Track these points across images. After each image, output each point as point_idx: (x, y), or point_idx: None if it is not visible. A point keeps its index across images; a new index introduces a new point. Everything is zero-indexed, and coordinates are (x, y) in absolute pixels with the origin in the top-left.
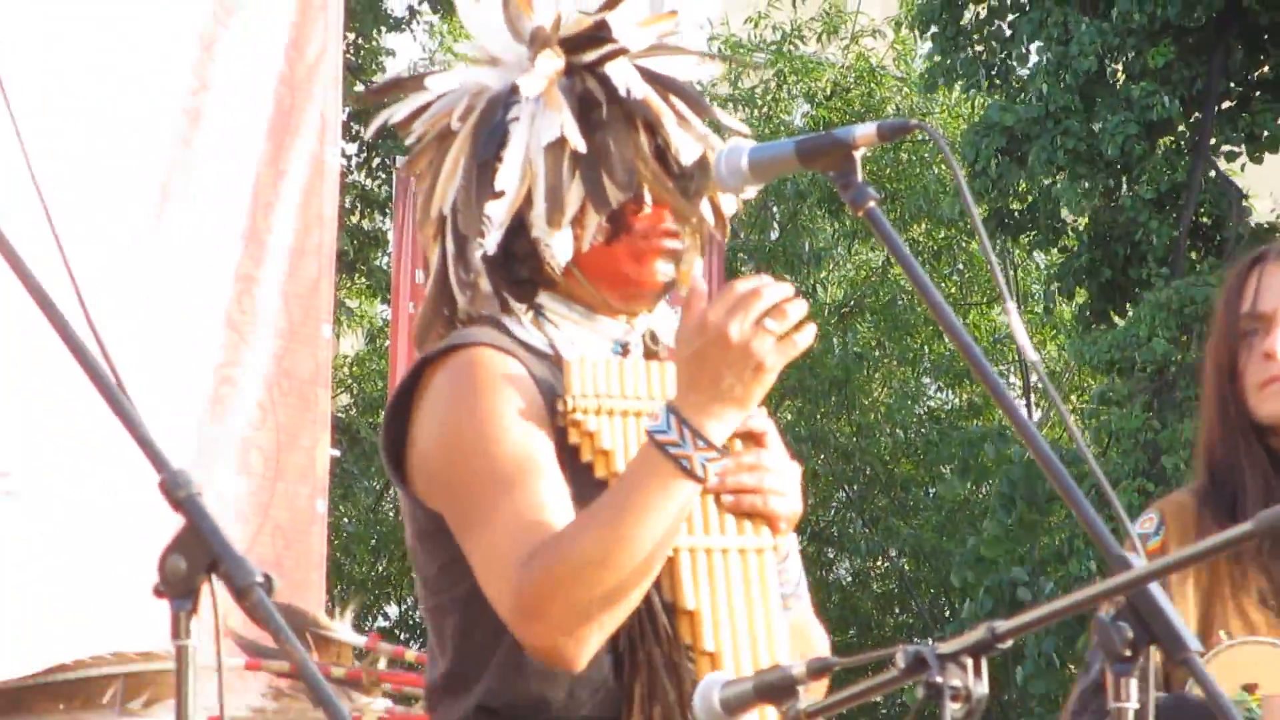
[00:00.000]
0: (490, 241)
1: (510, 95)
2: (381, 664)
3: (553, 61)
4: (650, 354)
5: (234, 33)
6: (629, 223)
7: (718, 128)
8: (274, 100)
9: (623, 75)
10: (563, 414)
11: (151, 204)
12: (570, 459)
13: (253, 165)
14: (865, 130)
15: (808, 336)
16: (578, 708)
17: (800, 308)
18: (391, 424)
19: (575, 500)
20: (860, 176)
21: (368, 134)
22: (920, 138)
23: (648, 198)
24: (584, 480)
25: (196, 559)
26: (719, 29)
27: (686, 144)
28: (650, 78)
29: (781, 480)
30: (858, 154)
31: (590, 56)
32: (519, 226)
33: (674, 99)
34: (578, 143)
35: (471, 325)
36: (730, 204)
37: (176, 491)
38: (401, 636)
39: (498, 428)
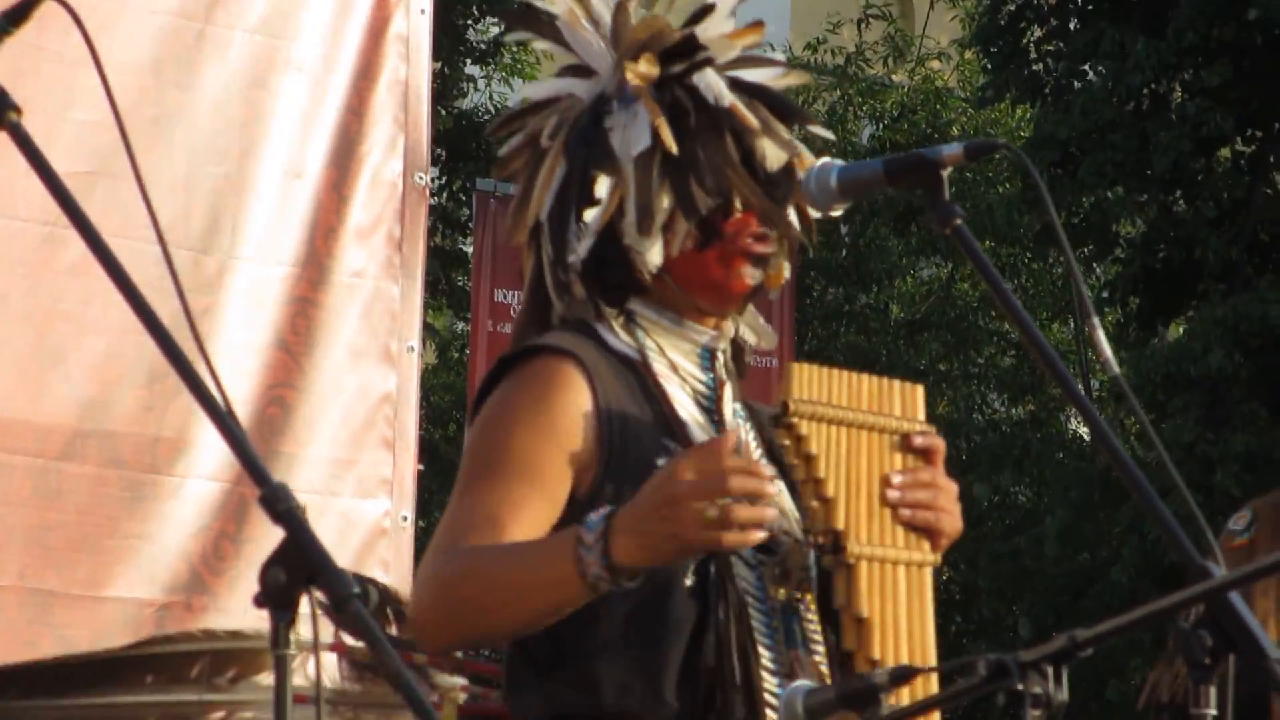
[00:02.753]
0: (583, 248)
1: (603, 105)
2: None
3: (647, 68)
4: (738, 358)
5: (291, 64)
6: (718, 229)
7: (804, 137)
8: (339, 128)
9: (711, 84)
10: (780, 416)
11: (201, 228)
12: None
13: (313, 191)
14: (952, 150)
15: (740, 539)
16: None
17: (762, 513)
18: (473, 416)
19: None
20: (947, 195)
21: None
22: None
23: (737, 204)
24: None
25: (296, 571)
26: (781, 55)
27: (773, 151)
28: (738, 86)
29: (950, 499)
30: (945, 173)
31: (679, 67)
32: (611, 234)
33: (761, 107)
34: (671, 146)
35: (563, 329)
36: (817, 210)
37: (277, 505)
38: None
39: (518, 427)
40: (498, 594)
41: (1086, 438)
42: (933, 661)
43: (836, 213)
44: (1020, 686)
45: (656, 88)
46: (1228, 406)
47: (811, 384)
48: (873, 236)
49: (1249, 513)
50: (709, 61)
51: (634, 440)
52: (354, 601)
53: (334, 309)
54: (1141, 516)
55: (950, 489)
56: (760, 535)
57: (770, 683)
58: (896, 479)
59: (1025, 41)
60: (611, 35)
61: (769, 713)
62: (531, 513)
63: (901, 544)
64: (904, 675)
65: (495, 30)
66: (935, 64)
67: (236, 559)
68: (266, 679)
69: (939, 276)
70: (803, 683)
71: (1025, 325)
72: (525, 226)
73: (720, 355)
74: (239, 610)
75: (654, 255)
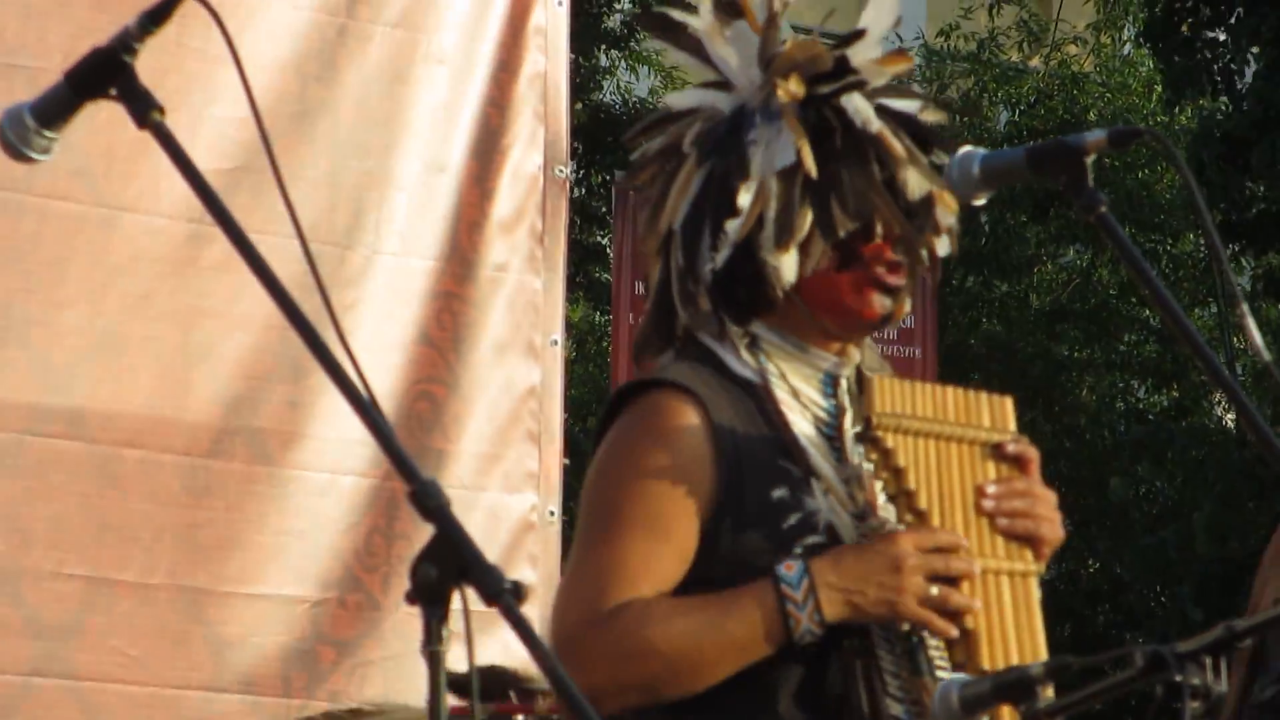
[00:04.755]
0: (721, 257)
1: (745, 118)
2: None
3: (795, 87)
4: (861, 387)
5: (432, 58)
6: (856, 252)
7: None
8: (480, 122)
9: (859, 109)
10: (864, 431)
11: (345, 224)
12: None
13: (456, 184)
14: (1096, 137)
15: (945, 628)
16: None
17: (971, 602)
18: (596, 446)
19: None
20: (1091, 182)
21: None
22: None
23: (877, 229)
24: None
25: (448, 567)
26: (912, 41)
27: (915, 180)
28: (885, 113)
29: (1048, 507)
30: (1088, 160)
31: (828, 89)
32: (745, 248)
33: (905, 136)
34: (812, 168)
35: (684, 358)
36: (944, 247)
37: (427, 501)
38: None
39: (645, 476)
40: (688, 662)
41: (1232, 426)
42: None
43: (979, 201)
44: (1179, 678)
45: (801, 107)
46: None
47: (895, 397)
48: (1011, 224)
49: None
50: (860, 85)
51: (750, 473)
52: (506, 597)
53: (479, 303)
54: None
55: (1048, 497)
56: (955, 631)
57: (896, 709)
58: (991, 488)
59: (1191, 34)
60: (760, 51)
61: None
62: (664, 569)
63: (1002, 553)
64: (1060, 668)
65: (627, 12)
66: (1071, 49)
67: (389, 555)
68: None
69: (1078, 263)
70: (959, 675)
71: (1172, 311)
72: (658, 233)
73: (844, 381)
74: (393, 607)
75: (788, 271)
